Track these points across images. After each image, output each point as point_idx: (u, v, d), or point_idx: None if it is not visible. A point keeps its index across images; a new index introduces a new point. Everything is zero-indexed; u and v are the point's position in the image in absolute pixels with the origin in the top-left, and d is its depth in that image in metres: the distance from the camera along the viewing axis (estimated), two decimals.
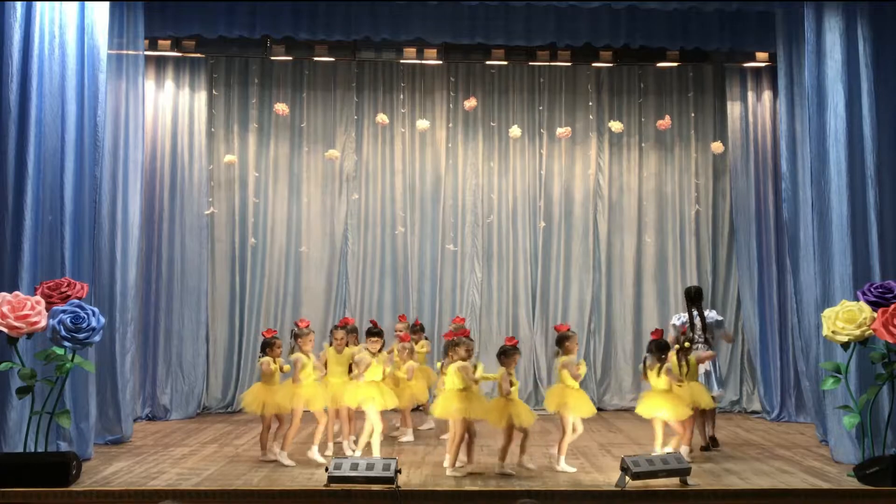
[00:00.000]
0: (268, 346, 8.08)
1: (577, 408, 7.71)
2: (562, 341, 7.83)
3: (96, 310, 7.30)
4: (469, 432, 7.53)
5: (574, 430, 7.73)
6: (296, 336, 8.14)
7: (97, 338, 7.27)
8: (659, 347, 7.94)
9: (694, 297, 9.39)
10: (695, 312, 9.27)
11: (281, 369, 8.06)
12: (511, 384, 7.54)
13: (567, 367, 7.72)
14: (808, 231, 9.01)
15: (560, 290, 12.17)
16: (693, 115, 12.27)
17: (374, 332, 8.27)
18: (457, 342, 7.66)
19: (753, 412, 11.49)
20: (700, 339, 9.13)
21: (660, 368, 7.82)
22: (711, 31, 10.42)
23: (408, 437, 9.32)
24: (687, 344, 8.50)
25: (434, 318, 11.94)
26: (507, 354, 7.66)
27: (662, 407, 7.79)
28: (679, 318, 9.64)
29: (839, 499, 6.83)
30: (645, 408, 7.96)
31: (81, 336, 7.08)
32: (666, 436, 7.89)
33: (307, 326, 8.23)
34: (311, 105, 12.12)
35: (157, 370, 11.04)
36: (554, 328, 8.52)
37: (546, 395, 8.25)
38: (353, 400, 8.10)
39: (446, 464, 7.54)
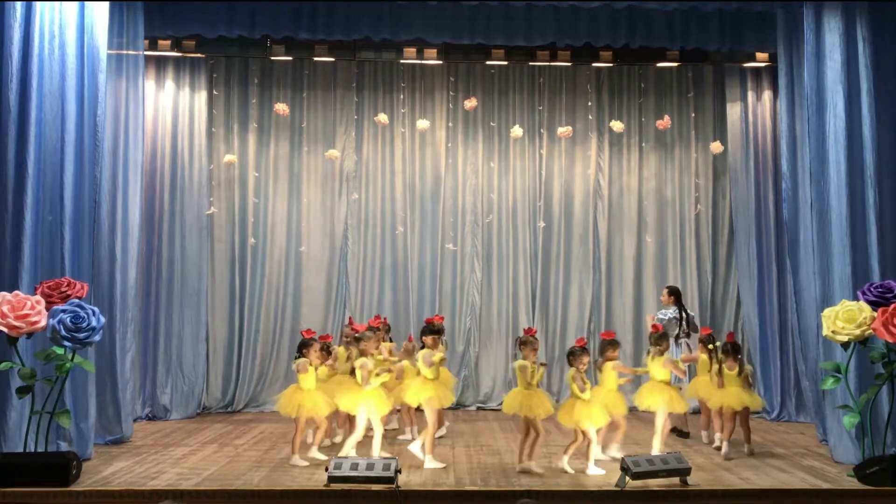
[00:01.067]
0: (304, 347, 8.10)
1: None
2: (604, 349, 8.11)
3: (96, 309, 7.31)
4: (535, 430, 7.59)
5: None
6: (356, 340, 8.16)
7: (97, 337, 7.27)
8: (658, 338, 8.06)
9: (679, 296, 10.12)
10: (675, 310, 9.80)
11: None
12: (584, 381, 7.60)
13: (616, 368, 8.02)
14: (807, 231, 9.01)
15: (560, 290, 12.17)
16: (693, 115, 12.29)
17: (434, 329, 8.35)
18: (524, 341, 7.74)
19: (753, 412, 11.45)
20: (685, 337, 9.43)
21: (661, 358, 7.99)
22: (711, 31, 10.42)
23: (406, 435, 9.33)
24: (712, 346, 8.73)
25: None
26: (574, 355, 7.69)
27: (661, 399, 7.85)
28: (665, 314, 10.00)
29: (839, 499, 6.83)
30: (643, 400, 8.07)
31: (81, 336, 7.08)
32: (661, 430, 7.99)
33: (367, 329, 8.33)
34: (311, 105, 12.12)
35: (157, 370, 11.04)
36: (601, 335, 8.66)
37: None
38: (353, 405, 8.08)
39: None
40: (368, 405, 7.72)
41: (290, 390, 8.06)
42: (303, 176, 12.06)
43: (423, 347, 8.18)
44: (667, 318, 9.93)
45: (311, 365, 8.02)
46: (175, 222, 11.37)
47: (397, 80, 12.17)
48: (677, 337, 9.87)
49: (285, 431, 9.76)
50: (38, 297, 7.13)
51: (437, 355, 7.97)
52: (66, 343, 7.07)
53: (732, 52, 11.13)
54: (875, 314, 7.35)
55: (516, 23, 10.31)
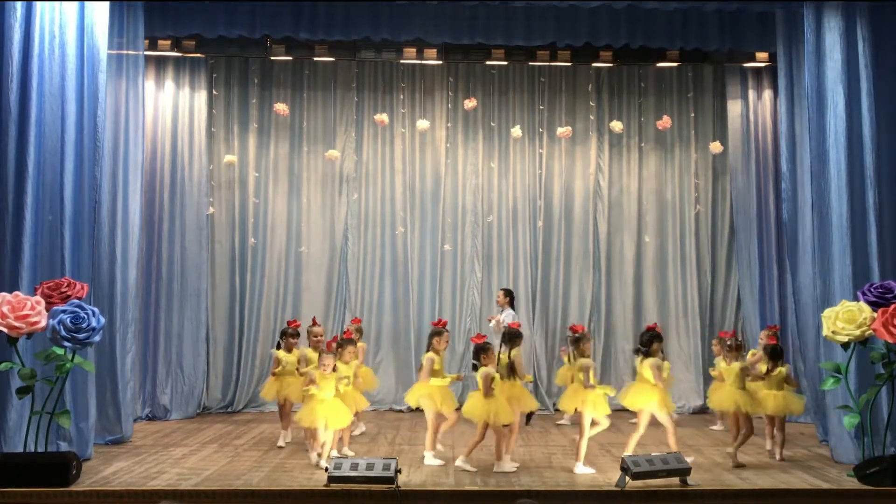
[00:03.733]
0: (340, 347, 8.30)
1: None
2: (577, 342, 7.98)
3: (96, 310, 7.30)
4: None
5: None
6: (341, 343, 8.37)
7: (97, 338, 7.26)
8: (644, 341, 7.96)
9: (513, 298, 10.88)
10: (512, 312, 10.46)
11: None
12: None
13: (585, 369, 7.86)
14: (806, 231, 9.02)
15: (560, 290, 12.17)
16: (693, 115, 12.29)
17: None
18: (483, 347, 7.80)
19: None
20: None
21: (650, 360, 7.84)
22: (711, 31, 10.42)
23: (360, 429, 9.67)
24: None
25: (434, 319, 11.90)
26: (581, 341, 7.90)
27: (649, 399, 7.76)
28: (514, 316, 10.49)
29: (839, 499, 6.83)
30: (630, 399, 7.97)
31: (81, 336, 7.07)
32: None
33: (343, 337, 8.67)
34: (311, 105, 12.13)
35: (157, 370, 11.04)
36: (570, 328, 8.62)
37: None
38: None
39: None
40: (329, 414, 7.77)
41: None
42: (303, 176, 12.07)
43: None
44: (514, 319, 10.22)
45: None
46: (175, 222, 11.37)
47: (397, 80, 12.18)
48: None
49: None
50: (38, 297, 7.13)
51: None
52: (66, 343, 7.07)
53: (732, 52, 11.14)
54: (875, 314, 7.35)
55: (516, 23, 10.32)
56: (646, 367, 7.74)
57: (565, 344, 9.97)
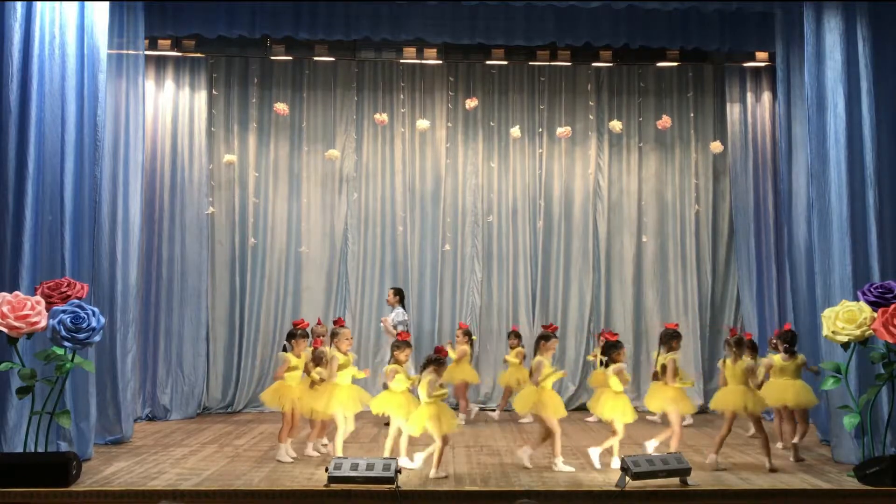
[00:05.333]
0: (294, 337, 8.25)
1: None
2: (610, 350, 7.96)
3: (96, 310, 7.30)
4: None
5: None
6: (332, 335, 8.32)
7: (97, 338, 7.26)
8: (607, 347, 8.02)
9: (403, 297, 10.89)
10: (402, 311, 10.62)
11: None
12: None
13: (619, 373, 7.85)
14: (803, 230, 9.03)
15: (560, 290, 12.17)
16: (693, 115, 12.29)
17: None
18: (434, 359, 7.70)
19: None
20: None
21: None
22: (711, 32, 10.43)
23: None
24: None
25: (434, 318, 11.97)
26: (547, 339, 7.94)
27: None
28: (403, 315, 10.57)
29: (839, 499, 6.83)
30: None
31: (81, 336, 7.07)
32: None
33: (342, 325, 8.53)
34: (311, 105, 12.13)
35: (157, 370, 11.04)
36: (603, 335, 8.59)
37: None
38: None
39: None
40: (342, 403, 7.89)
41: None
42: (303, 176, 12.07)
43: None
44: (403, 318, 10.34)
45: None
46: (175, 222, 11.37)
47: (397, 80, 12.18)
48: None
49: None
50: (38, 297, 7.13)
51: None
52: (67, 343, 7.07)
53: (732, 53, 11.15)
54: (875, 314, 7.35)
55: (516, 23, 10.32)
56: (610, 373, 7.86)
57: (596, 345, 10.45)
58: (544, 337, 8.03)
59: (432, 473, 7.24)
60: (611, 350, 7.94)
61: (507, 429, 10.06)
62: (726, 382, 7.96)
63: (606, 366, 7.96)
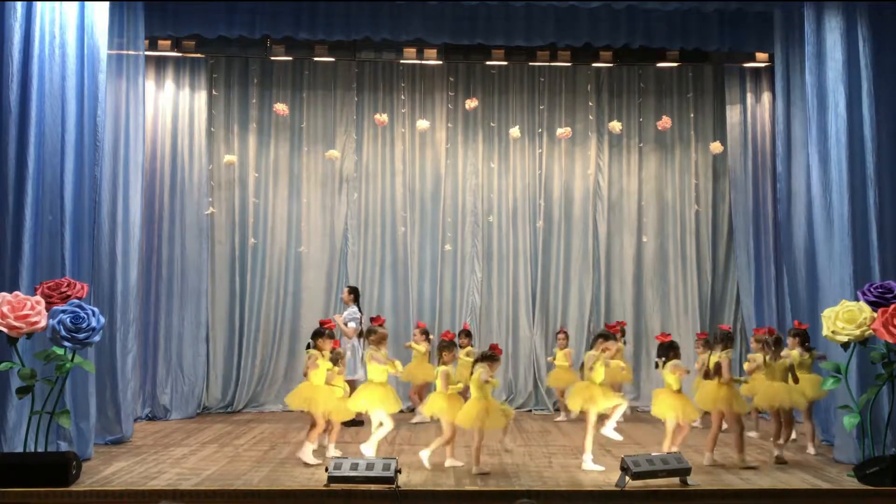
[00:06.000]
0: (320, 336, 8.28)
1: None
2: (667, 350, 7.99)
3: (96, 310, 7.30)
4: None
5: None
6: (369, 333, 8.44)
7: (97, 338, 7.26)
8: (664, 348, 8.03)
9: (357, 295, 10.79)
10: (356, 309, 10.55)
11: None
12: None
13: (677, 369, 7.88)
14: (803, 230, 9.02)
15: (560, 290, 12.18)
16: (692, 115, 12.30)
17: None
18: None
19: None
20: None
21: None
22: (711, 32, 10.44)
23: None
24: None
25: (434, 319, 11.96)
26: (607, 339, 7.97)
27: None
28: (351, 314, 10.49)
29: (839, 499, 6.83)
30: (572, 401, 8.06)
31: (81, 336, 7.07)
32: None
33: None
34: (311, 105, 12.13)
35: (157, 370, 11.04)
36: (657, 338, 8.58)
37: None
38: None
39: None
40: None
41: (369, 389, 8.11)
42: (303, 176, 12.07)
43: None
44: (356, 316, 10.35)
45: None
46: (175, 222, 11.37)
47: (397, 81, 12.18)
48: (360, 335, 10.21)
49: (285, 432, 9.80)
50: (38, 297, 7.13)
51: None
52: (66, 343, 7.07)
53: (732, 53, 11.14)
54: (875, 314, 7.35)
55: (516, 23, 10.33)
56: (666, 372, 7.88)
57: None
58: (604, 336, 8.07)
59: (474, 469, 7.45)
60: (668, 351, 7.95)
61: (507, 428, 10.03)
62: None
63: (663, 366, 7.99)
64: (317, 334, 8.23)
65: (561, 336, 11.11)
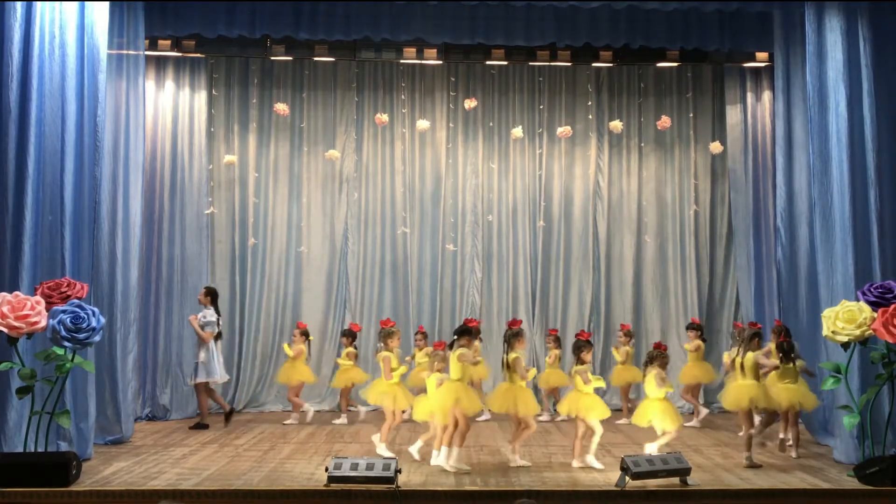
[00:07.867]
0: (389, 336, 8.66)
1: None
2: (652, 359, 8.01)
3: (96, 310, 7.30)
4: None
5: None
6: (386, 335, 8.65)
7: (97, 338, 7.26)
8: (576, 347, 8.09)
9: (215, 297, 10.39)
10: (213, 311, 10.22)
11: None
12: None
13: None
14: (803, 231, 9.02)
15: (560, 290, 12.18)
16: (692, 115, 12.30)
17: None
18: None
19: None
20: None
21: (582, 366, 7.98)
22: (711, 32, 10.43)
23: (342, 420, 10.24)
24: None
25: (434, 319, 11.97)
26: (582, 349, 8.01)
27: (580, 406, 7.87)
28: (206, 315, 10.17)
29: (839, 499, 6.83)
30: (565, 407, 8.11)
31: (81, 336, 7.07)
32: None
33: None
34: (311, 105, 12.13)
35: (157, 370, 11.04)
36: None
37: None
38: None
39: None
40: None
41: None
42: (303, 176, 12.07)
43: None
44: (212, 319, 10.18)
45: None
46: (175, 222, 11.37)
47: (397, 80, 12.18)
48: (217, 337, 10.21)
49: (285, 432, 9.80)
50: (38, 297, 7.13)
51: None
52: (66, 343, 7.07)
53: (732, 53, 11.15)
54: (875, 314, 7.35)
55: (516, 23, 10.33)
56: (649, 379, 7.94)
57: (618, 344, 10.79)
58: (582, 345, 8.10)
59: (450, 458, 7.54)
60: (653, 360, 7.98)
61: (507, 428, 10.02)
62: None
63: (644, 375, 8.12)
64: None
65: (347, 335, 10.67)
